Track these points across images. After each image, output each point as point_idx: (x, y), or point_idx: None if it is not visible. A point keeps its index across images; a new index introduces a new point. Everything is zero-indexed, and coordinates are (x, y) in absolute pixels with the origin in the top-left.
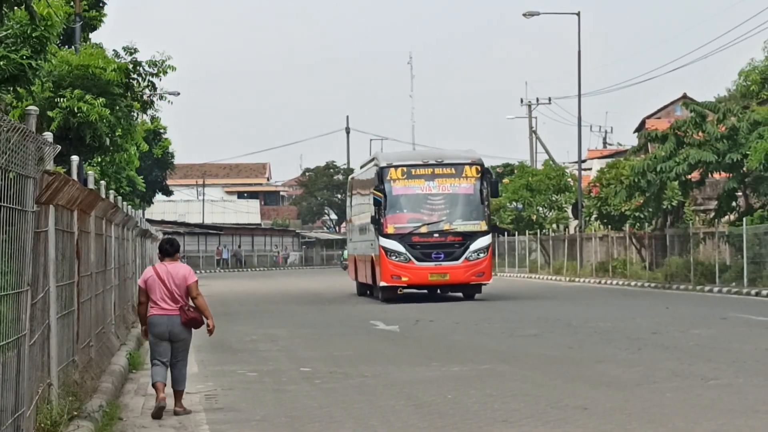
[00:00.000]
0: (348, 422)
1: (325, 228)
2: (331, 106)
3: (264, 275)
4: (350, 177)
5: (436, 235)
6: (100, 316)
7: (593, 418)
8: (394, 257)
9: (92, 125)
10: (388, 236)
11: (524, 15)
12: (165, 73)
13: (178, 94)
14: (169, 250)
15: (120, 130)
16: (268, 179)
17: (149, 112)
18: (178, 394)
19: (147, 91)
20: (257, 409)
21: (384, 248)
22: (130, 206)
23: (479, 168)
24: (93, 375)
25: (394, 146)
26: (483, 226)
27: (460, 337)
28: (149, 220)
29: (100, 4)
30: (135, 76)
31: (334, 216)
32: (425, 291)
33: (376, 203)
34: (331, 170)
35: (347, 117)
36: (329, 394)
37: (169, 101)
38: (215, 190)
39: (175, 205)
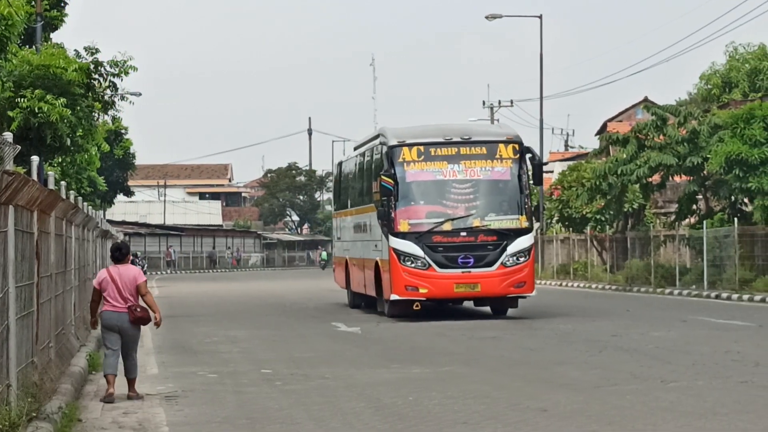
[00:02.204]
0: (308, 424)
1: (287, 229)
2: (293, 107)
3: (226, 277)
4: (339, 162)
5: (463, 233)
6: (59, 317)
7: (553, 420)
8: (408, 262)
9: (53, 125)
10: (400, 235)
11: (487, 18)
12: (126, 73)
13: (140, 94)
14: (119, 257)
15: (81, 130)
16: (229, 180)
17: (110, 112)
18: (130, 382)
19: (108, 91)
20: (217, 410)
21: (395, 251)
22: (90, 207)
23: (517, 146)
24: (52, 376)
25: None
26: (523, 221)
27: (421, 339)
28: (110, 221)
29: (62, 4)
30: (96, 76)
31: (296, 217)
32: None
33: (385, 193)
34: (293, 171)
35: (309, 119)
36: (290, 396)
37: (130, 102)
38: (177, 190)
39: (136, 206)
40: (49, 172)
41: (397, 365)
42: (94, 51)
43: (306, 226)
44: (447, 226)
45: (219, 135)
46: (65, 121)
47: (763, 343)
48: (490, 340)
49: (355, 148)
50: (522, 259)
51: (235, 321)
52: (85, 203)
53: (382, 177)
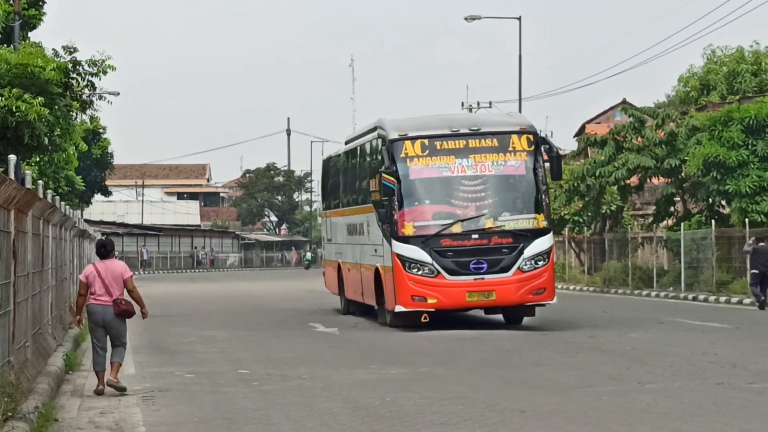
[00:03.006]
0: (285, 425)
1: (265, 230)
2: (272, 108)
3: (203, 277)
4: (327, 157)
5: (474, 236)
6: (36, 316)
7: (530, 421)
8: (414, 270)
9: (30, 124)
10: (405, 239)
11: (466, 19)
12: (105, 72)
13: (118, 94)
14: (104, 253)
15: (59, 129)
16: (208, 180)
17: (88, 111)
18: (114, 365)
19: (86, 90)
20: (194, 410)
21: (400, 257)
22: (68, 206)
23: (532, 137)
24: (29, 376)
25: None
26: (541, 220)
27: (399, 340)
28: (88, 221)
29: (40, 3)
30: (74, 75)
31: (274, 218)
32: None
33: (386, 192)
34: (272, 172)
35: (288, 119)
36: (267, 397)
37: (108, 101)
38: (155, 190)
39: (114, 206)
40: (27, 172)
41: (374, 366)
42: (72, 50)
43: (284, 226)
44: (456, 228)
45: (198, 135)
46: (43, 120)
47: (740, 345)
48: (468, 341)
49: (347, 142)
50: (541, 263)
51: (212, 321)
52: (63, 203)
53: (383, 175)
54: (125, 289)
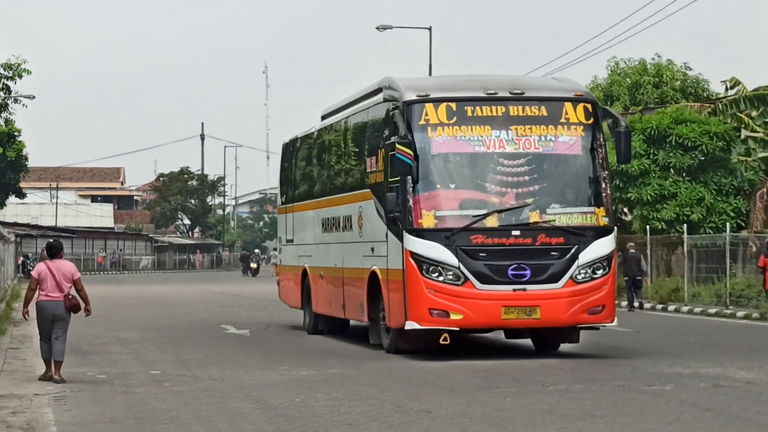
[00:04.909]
0: (196, 425)
1: (178, 233)
2: (186, 113)
3: (117, 279)
4: (289, 140)
5: (515, 232)
6: None
7: (436, 422)
8: (435, 274)
9: None
10: (422, 233)
11: (377, 28)
12: (20, 76)
13: (33, 97)
14: (54, 252)
15: None
16: (122, 183)
17: (3, 114)
18: (57, 364)
19: (1, 93)
20: (105, 411)
21: (415, 256)
22: None
23: (590, 107)
24: None
25: (248, 153)
26: (601, 216)
27: (309, 342)
28: (2, 222)
29: None
30: None
31: (187, 221)
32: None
33: (401, 169)
34: (185, 176)
35: (202, 124)
36: (178, 397)
37: (23, 104)
38: (69, 193)
39: (28, 208)
40: None
41: (285, 367)
42: None
43: (197, 229)
44: (492, 222)
45: (113, 139)
46: None
47: (641, 348)
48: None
49: (324, 117)
50: (600, 272)
51: (125, 323)
52: None
53: (398, 146)
54: (74, 287)
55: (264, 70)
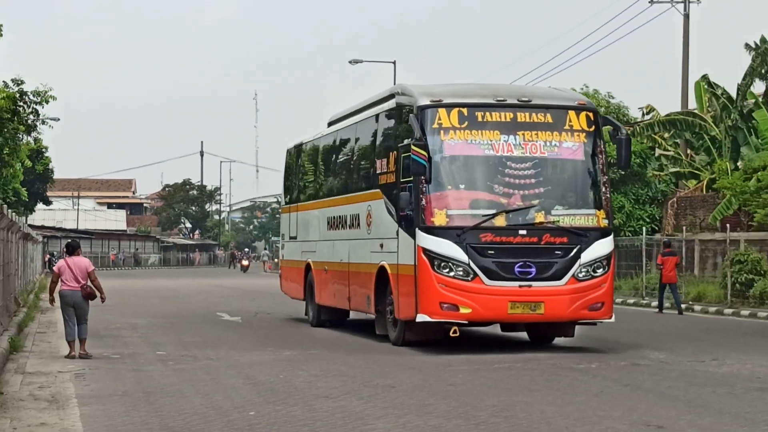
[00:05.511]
0: (196, 398)
1: (181, 235)
2: (188, 133)
3: (128, 274)
4: (295, 145)
5: (522, 231)
6: None
7: (399, 394)
8: (446, 270)
9: None
10: (434, 231)
11: (350, 62)
12: (47, 101)
13: (58, 119)
14: (71, 250)
15: (7, 149)
16: (133, 192)
17: (33, 134)
18: (82, 341)
19: (31, 116)
20: (119, 385)
21: (427, 252)
22: (14, 213)
23: (592, 116)
24: None
25: (240, 167)
26: (602, 218)
27: (292, 328)
28: (31, 226)
29: None
30: (21, 103)
31: (189, 225)
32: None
33: (416, 170)
34: (187, 186)
35: (201, 142)
36: (180, 374)
37: (50, 125)
38: (88, 201)
39: (53, 213)
40: None
41: (270, 348)
42: (20, 82)
43: (197, 232)
44: (500, 221)
45: (126, 154)
46: None
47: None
48: (351, 327)
49: (331, 123)
50: (600, 271)
51: (135, 311)
52: (10, 210)
53: (413, 148)
54: (89, 279)
55: (254, 96)
